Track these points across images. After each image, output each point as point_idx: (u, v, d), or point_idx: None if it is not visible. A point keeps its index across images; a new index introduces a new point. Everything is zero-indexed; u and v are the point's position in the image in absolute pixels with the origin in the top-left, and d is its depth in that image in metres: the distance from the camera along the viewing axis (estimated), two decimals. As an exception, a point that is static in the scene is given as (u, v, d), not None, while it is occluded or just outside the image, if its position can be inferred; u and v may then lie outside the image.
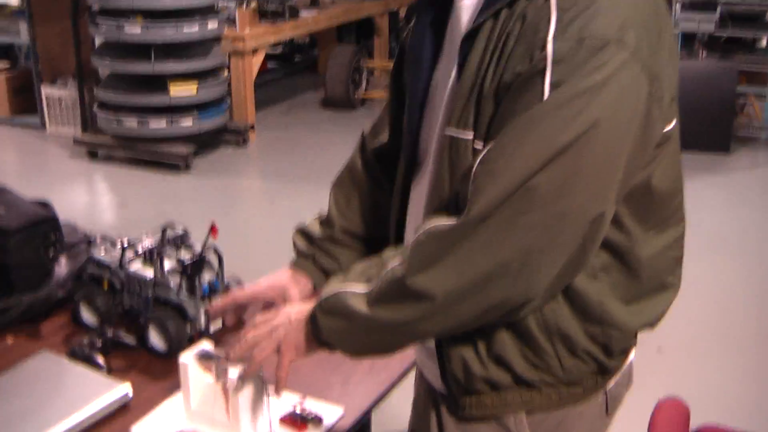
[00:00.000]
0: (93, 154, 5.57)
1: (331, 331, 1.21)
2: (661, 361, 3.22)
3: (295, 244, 1.53)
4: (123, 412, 1.48)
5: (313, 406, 1.48)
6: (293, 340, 1.26)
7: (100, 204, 5.26)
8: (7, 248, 1.73)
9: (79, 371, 1.53)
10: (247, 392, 1.37)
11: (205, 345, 1.44)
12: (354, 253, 1.50)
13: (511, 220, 1.06)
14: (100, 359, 1.57)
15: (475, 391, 1.23)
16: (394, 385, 1.56)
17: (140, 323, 1.67)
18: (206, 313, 1.66)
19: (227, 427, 1.40)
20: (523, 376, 1.21)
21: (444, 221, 1.12)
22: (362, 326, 1.18)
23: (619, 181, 1.10)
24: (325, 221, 1.52)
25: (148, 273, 1.68)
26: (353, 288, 1.19)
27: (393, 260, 1.16)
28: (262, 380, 1.37)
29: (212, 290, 1.67)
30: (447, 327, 1.15)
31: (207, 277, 1.68)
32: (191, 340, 1.66)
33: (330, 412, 1.47)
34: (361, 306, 1.16)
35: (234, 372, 1.35)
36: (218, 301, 1.51)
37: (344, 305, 1.18)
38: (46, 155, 5.82)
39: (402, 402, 1.62)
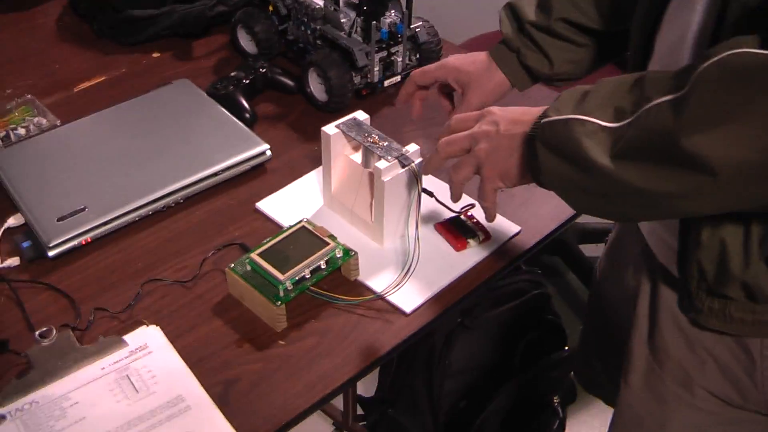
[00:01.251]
0: None
1: (554, 175, 0.81)
2: None
3: (501, 25, 1.12)
4: (255, 175, 1.21)
5: (483, 217, 1.14)
6: (500, 164, 0.89)
7: None
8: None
9: (216, 113, 1.26)
10: (399, 189, 1.06)
11: (360, 115, 1.11)
12: (575, 52, 1.07)
13: None
14: (244, 102, 1.29)
15: (723, 296, 0.84)
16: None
17: (303, 63, 1.37)
18: (381, 64, 1.32)
19: (366, 227, 1.11)
20: None
21: (754, 47, 0.65)
22: (598, 183, 0.77)
23: None
24: (543, 3, 1.08)
25: (320, 2, 1.34)
26: (594, 119, 0.76)
27: (660, 91, 0.71)
28: (417, 176, 1.05)
29: (393, 36, 1.31)
30: (719, 209, 0.75)
31: (390, 19, 1.32)
32: (359, 95, 1.34)
33: (503, 227, 1.14)
34: (601, 154, 0.74)
35: (385, 162, 1.03)
36: (402, 92, 1.16)
37: (577, 145, 0.76)
38: None
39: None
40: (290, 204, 1.16)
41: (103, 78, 1.37)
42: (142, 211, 1.11)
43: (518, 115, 0.88)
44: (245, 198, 1.17)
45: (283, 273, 0.98)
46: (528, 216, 1.15)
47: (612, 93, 0.77)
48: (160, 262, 1.07)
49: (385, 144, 1.05)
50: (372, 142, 1.06)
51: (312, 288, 1.01)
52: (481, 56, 1.12)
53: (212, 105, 1.27)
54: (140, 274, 1.05)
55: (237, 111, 1.27)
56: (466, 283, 1.06)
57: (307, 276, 1.00)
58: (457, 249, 1.10)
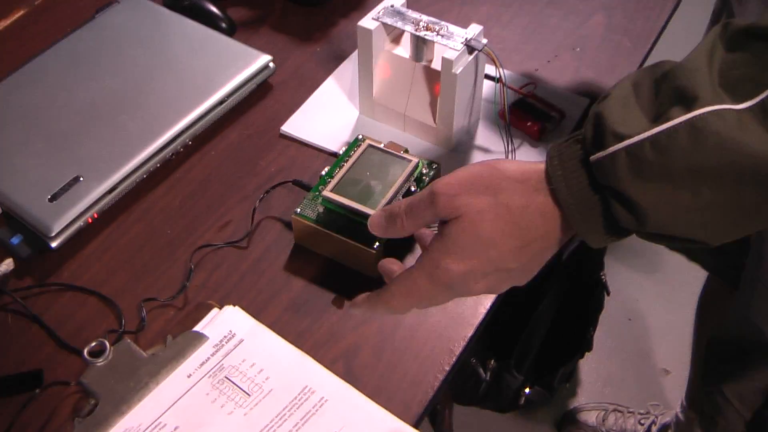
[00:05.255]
0: None
1: (679, 208, 0.53)
2: None
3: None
4: (261, 95, 0.98)
5: (549, 95, 0.97)
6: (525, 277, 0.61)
7: None
8: None
9: (191, 29, 1.01)
10: (469, 79, 0.87)
11: (396, 0, 0.90)
12: None
13: None
14: (216, 9, 1.05)
15: None
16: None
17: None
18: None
19: (427, 131, 0.91)
20: None
21: None
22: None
23: None
24: None
25: None
26: (724, 105, 0.51)
27: None
28: (496, 60, 0.86)
29: None
30: None
31: None
32: (341, -20, 1.12)
33: (570, 99, 0.97)
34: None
35: (453, 51, 0.84)
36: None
37: (727, 145, 0.50)
38: None
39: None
40: (319, 121, 0.95)
41: (21, 12, 1.09)
42: (149, 165, 0.88)
43: (516, 221, 0.57)
44: (262, 124, 0.95)
45: (373, 208, 0.78)
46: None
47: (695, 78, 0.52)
48: (193, 223, 0.85)
49: (443, 29, 0.86)
50: (426, 30, 0.86)
51: (400, 218, 0.82)
52: None
53: (182, 20, 1.02)
54: (176, 244, 0.83)
55: (210, 22, 1.03)
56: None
57: (400, 205, 0.81)
58: (535, 137, 0.93)
